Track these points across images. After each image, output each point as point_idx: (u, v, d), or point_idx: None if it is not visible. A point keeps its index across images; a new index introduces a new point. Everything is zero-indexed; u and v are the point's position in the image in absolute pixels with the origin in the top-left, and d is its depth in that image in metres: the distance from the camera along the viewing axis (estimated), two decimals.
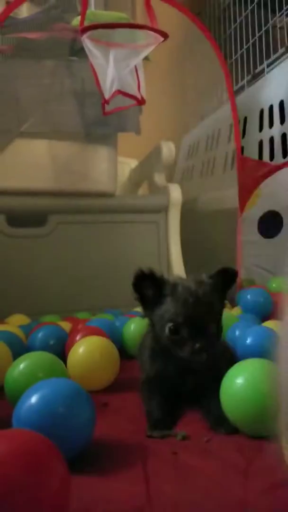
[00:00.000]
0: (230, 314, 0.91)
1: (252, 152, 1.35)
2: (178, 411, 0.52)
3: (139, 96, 1.09)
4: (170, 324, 0.49)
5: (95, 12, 1.27)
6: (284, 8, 1.46)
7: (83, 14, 1.09)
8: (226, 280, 0.54)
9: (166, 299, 0.50)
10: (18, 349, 0.70)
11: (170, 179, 1.77)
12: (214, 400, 0.49)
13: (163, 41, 1.04)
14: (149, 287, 0.52)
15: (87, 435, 0.41)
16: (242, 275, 1.23)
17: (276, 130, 1.28)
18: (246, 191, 1.21)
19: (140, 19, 1.37)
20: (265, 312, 0.91)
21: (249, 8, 1.72)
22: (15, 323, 0.97)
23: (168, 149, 1.32)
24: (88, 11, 1.14)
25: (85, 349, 0.63)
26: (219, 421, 0.47)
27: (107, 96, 1.04)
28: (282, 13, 1.47)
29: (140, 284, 0.52)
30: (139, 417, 0.51)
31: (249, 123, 1.43)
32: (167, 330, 0.49)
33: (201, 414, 0.51)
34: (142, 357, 0.59)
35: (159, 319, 0.51)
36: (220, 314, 0.53)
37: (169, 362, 0.52)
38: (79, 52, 1.15)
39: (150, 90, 1.19)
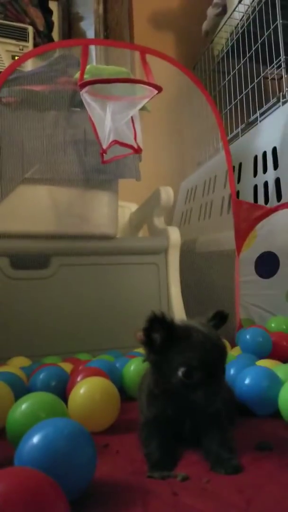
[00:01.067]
0: (229, 354, 0.92)
1: (247, 196, 1.40)
2: (177, 452, 0.52)
3: (135, 145, 1.15)
4: (183, 369, 0.49)
5: (97, 66, 1.35)
6: (275, 61, 1.56)
7: (82, 69, 1.17)
8: (220, 322, 0.56)
9: (179, 342, 0.50)
10: (20, 390, 0.70)
11: (169, 222, 1.82)
12: (214, 440, 0.50)
13: (157, 93, 1.11)
14: (158, 330, 0.51)
15: (89, 475, 0.41)
16: (241, 315, 1.24)
17: (270, 175, 1.34)
18: (242, 233, 1.25)
19: (139, 72, 1.46)
20: (264, 351, 0.92)
21: (242, 61, 1.84)
22: (17, 365, 0.97)
23: (166, 194, 1.37)
24: (90, 66, 1.22)
25: (86, 390, 0.64)
26: (219, 462, 0.48)
27: (104, 146, 1.10)
28: (273, 66, 1.57)
29: (151, 327, 0.52)
30: (139, 458, 0.51)
31: (243, 168, 1.50)
32: (180, 373, 0.49)
33: (201, 455, 0.51)
34: (141, 400, 0.59)
35: (168, 363, 0.50)
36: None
37: (167, 405, 0.53)
38: (82, 103, 1.22)
39: (149, 139, 1.25)
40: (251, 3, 1.78)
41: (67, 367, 0.89)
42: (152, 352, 0.52)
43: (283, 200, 1.25)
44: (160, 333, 0.51)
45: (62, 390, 0.74)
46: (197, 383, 0.48)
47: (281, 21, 1.57)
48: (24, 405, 0.56)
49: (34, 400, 0.57)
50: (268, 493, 0.42)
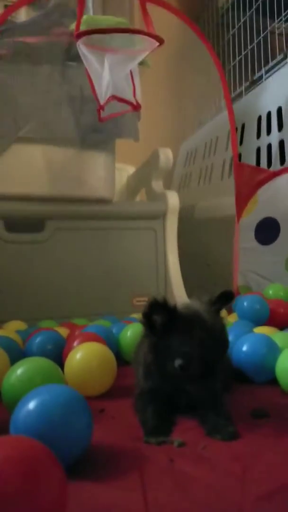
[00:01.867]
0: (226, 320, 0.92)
1: (249, 159, 1.36)
2: (173, 419, 0.52)
3: (134, 101, 1.10)
4: (180, 361, 0.48)
5: (94, 16, 1.27)
6: (283, 14, 1.47)
7: (78, 19, 1.10)
8: (224, 301, 0.54)
9: (179, 332, 0.49)
10: (16, 354, 0.70)
11: (167, 185, 1.78)
12: (211, 408, 0.50)
13: (158, 46, 1.04)
14: (159, 314, 0.49)
15: (85, 442, 0.41)
16: (239, 282, 1.23)
17: (274, 137, 1.29)
18: (243, 198, 1.22)
19: (139, 23, 1.38)
20: (262, 318, 0.92)
21: (248, 14, 1.74)
22: (12, 329, 0.97)
23: (165, 156, 1.33)
24: (86, 16, 1.14)
25: (82, 356, 0.63)
26: (215, 428, 0.48)
27: (102, 101, 1.05)
28: (281, 19, 1.49)
29: (152, 312, 0.50)
30: (135, 424, 0.51)
31: (247, 130, 1.45)
32: (176, 365, 0.48)
33: (198, 421, 0.51)
34: (137, 371, 0.58)
35: (167, 349, 0.49)
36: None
37: (164, 380, 0.52)
38: (78, 57, 1.15)
39: (148, 97, 1.20)
40: None
41: (64, 331, 0.89)
42: (151, 334, 0.51)
43: (287, 164, 1.21)
44: (161, 317, 0.49)
45: (58, 355, 0.74)
46: (193, 376, 0.48)
47: None
48: (20, 370, 0.55)
49: (30, 365, 0.56)
50: (264, 460, 0.41)
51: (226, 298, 0.54)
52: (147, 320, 0.50)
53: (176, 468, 0.40)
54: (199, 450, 0.44)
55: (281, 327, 0.87)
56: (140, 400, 0.54)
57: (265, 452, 0.43)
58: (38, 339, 0.78)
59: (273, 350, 0.65)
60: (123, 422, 0.53)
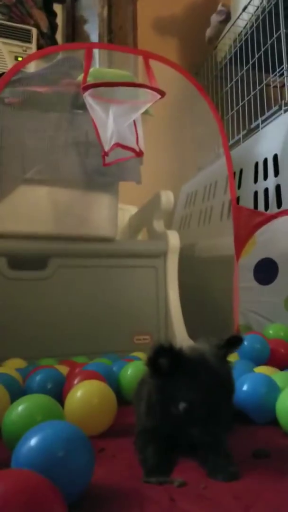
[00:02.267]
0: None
1: (247, 202, 1.41)
2: (174, 458, 0.52)
3: (137, 149, 1.15)
4: (184, 404, 0.48)
5: (100, 69, 1.35)
6: (277, 69, 1.57)
7: (85, 73, 1.18)
8: (232, 346, 0.54)
9: (185, 374, 0.49)
10: (16, 392, 0.70)
11: (168, 226, 1.82)
12: (212, 449, 0.49)
13: (160, 98, 1.11)
14: (165, 358, 0.49)
15: (86, 479, 0.41)
16: (239, 321, 1.24)
17: (271, 182, 1.34)
18: (241, 239, 1.25)
19: (142, 76, 1.46)
20: (262, 358, 0.92)
21: (244, 68, 1.85)
22: (12, 366, 0.97)
23: (167, 198, 1.37)
24: (93, 69, 1.22)
25: (82, 394, 0.63)
26: (216, 469, 0.47)
27: (106, 148, 1.10)
28: (276, 74, 1.58)
29: (157, 356, 0.49)
30: (136, 463, 0.51)
31: (244, 175, 1.50)
32: (181, 408, 0.48)
33: (198, 462, 0.50)
34: (138, 408, 0.58)
35: (171, 392, 0.49)
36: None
37: (166, 419, 0.51)
38: (84, 105, 1.22)
39: (151, 143, 1.25)
40: (254, 12, 1.79)
41: (63, 369, 0.89)
42: (156, 376, 0.51)
43: (283, 207, 1.25)
44: (166, 361, 0.49)
45: (58, 392, 0.74)
46: (196, 420, 0.48)
47: (284, 30, 1.58)
48: (20, 407, 0.55)
49: (30, 402, 0.56)
50: (265, 500, 0.41)
51: (234, 343, 0.54)
52: (153, 363, 0.50)
53: (177, 508, 0.40)
54: (200, 489, 0.44)
55: (282, 367, 0.87)
56: (141, 438, 0.54)
57: (266, 492, 0.43)
58: (38, 377, 0.78)
59: (274, 390, 0.65)
60: (124, 462, 0.52)
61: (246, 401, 0.65)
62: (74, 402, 0.63)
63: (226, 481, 0.46)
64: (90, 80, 1.16)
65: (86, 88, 1.09)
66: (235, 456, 0.50)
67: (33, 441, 0.40)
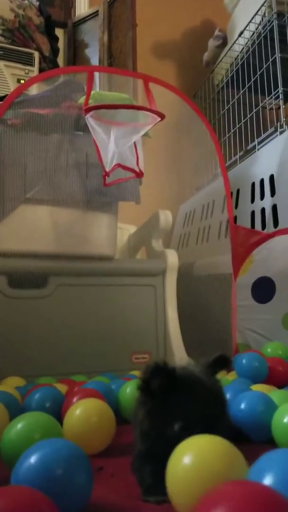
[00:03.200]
0: (225, 378, 0.92)
1: (245, 222, 1.43)
2: None
3: (137, 169, 1.18)
4: (180, 423, 0.47)
5: (101, 92, 1.39)
6: (273, 92, 1.61)
7: (87, 95, 1.21)
8: (219, 365, 0.54)
9: (178, 394, 0.48)
10: (15, 410, 0.70)
11: (167, 244, 1.84)
12: None
13: (160, 120, 1.15)
14: (158, 378, 0.49)
15: (84, 498, 0.41)
16: (237, 339, 1.24)
17: (267, 202, 1.36)
18: (239, 258, 1.27)
19: (141, 98, 1.50)
20: (261, 376, 0.92)
21: (241, 91, 1.90)
22: (11, 384, 0.97)
23: (165, 217, 1.39)
24: (93, 92, 1.25)
25: (81, 412, 0.63)
26: None
27: (107, 169, 1.13)
28: (271, 96, 1.62)
29: (151, 378, 0.49)
30: (135, 482, 0.51)
31: (241, 194, 1.53)
32: (176, 428, 0.47)
33: None
34: (135, 428, 0.57)
35: (166, 413, 0.49)
36: None
37: (161, 441, 0.50)
38: (84, 127, 1.25)
39: (150, 163, 1.28)
40: (250, 37, 1.85)
41: (62, 388, 0.89)
42: (149, 399, 0.50)
43: (279, 226, 1.27)
44: (159, 382, 0.49)
45: (57, 411, 0.74)
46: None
47: (279, 55, 1.63)
48: (19, 425, 0.55)
49: (29, 420, 0.57)
50: None
51: (222, 362, 0.54)
52: (146, 385, 0.49)
53: None
54: None
55: (280, 386, 0.88)
56: (138, 460, 0.54)
57: None
58: (37, 395, 0.78)
59: (271, 408, 0.66)
60: (122, 480, 0.52)
61: (244, 420, 0.65)
62: (73, 420, 0.63)
63: None
64: (91, 102, 1.19)
65: (88, 110, 1.12)
66: None
67: (32, 459, 0.40)
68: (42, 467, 0.40)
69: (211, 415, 0.48)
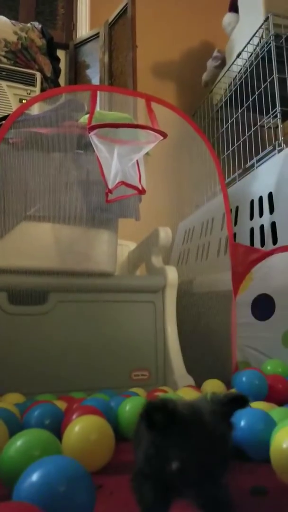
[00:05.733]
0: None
1: (244, 239, 1.44)
2: (170, 496, 0.51)
3: (140, 187, 1.20)
4: (178, 464, 0.45)
5: (102, 112, 1.41)
6: (271, 111, 1.64)
7: (91, 114, 1.23)
8: (236, 406, 0.49)
9: (179, 432, 0.46)
10: (14, 427, 0.70)
11: (167, 261, 1.85)
12: (211, 489, 0.48)
13: (162, 139, 1.17)
14: (158, 414, 0.46)
15: None
16: (237, 357, 1.24)
17: (266, 219, 1.38)
18: (239, 276, 1.27)
19: (141, 118, 1.53)
20: (261, 394, 0.92)
21: (239, 110, 1.93)
22: (11, 401, 0.96)
23: (165, 234, 1.40)
24: (95, 111, 1.28)
25: (80, 429, 0.63)
26: (215, 507, 0.47)
27: (110, 186, 1.15)
28: (269, 116, 1.65)
29: (149, 415, 0.47)
30: (133, 501, 0.50)
31: (240, 212, 1.54)
32: (174, 467, 0.45)
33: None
34: (136, 447, 0.55)
35: (165, 449, 0.47)
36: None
37: (161, 473, 0.48)
38: (85, 146, 1.27)
39: (150, 181, 1.30)
40: (248, 58, 1.89)
41: (62, 405, 0.89)
42: (150, 430, 0.48)
43: (278, 243, 1.28)
44: (159, 420, 0.46)
45: (57, 427, 0.74)
46: (190, 481, 0.45)
47: (277, 75, 1.66)
48: (18, 442, 0.55)
49: (29, 437, 0.56)
50: None
51: (239, 403, 0.49)
52: (146, 418, 0.47)
53: None
54: None
55: (280, 403, 0.87)
56: (137, 478, 0.54)
57: None
58: (36, 412, 0.77)
59: (271, 426, 0.65)
60: (122, 498, 0.52)
61: (243, 438, 0.65)
62: (72, 437, 0.63)
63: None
64: (93, 122, 1.22)
65: (92, 128, 1.15)
66: (232, 493, 0.49)
67: (35, 476, 0.40)
68: (45, 484, 0.40)
69: (209, 463, 0.45)
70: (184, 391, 1.02)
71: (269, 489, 0.53)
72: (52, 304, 1.22)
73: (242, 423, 0.66)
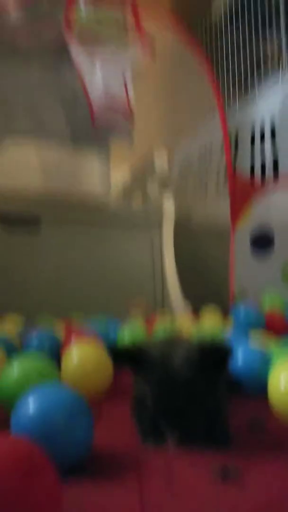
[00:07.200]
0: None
1: (244, 164, 1.39)
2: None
3: (127, 110, 1.11)
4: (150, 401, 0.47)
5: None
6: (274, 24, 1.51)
7: (68, 9, 1.10)
8: (217, 360, 0.49)
9: (146, 376, 0.49)
10: (13, 351, 0.70)
11: (163, 189, 1.79)
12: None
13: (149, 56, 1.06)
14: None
15: (87, 445, 0.41)
16: (235, 288, 1.24)
17: (267, 143, 1.32)
18: (238, 209, 1.23)
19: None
20: (257, 324, 0.92)
21: (240, 23, 1.77)
22: (10, 322, 0.96)
23: (161, 160, 1.35)
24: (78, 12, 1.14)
25: (79, 356, 0.63)
26: (210, 435, 0.47)
27: (96, 110, 1.06)
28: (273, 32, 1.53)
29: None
30: (132, 426, 0.51)
31: (241, 136, 1.47)
32: (149, 403, 0.48)
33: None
34: (135, 375, 0.55)
35: (141, 388, 0.50)
36: (210, 393, 0.48)
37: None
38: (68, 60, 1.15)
39: (143, 104, 1.21)
40: None
41: (61, 329, 0.89)
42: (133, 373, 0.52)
43: (279, 168, 1.24)
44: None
45: (56, 353, 0.73)
46: (161, 413, 0.47)
47: None
48: (16, 367, 0.55)
49: (26, 362, 0.56)
50: (258, 467, 0.41)
51: (219, 356, 0.49)
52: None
53: (173, 470, 0.40)
54: (196, 454, 0.44)
55: (277, 335, 0.88)
56: (137, 402, 0.54)
57: (260, 460, 0.43)
58: (36, 337, 0.78)
59: (268, 364, 0.64)
60: (120, 424, 0.52)
61: (241, 376, 0.64)
62: (71, 364, 0.62)
63: (220, 446, 0.45)
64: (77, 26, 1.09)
65: (69, 25, 1.03)
66: (231, 427, 0.49)
67: (34, 408, 0.39)
68: (42, 416, 0.38)
69: (172, 400, 0.46)
70: (182, 321, 1.02)
71: (267, 426, 0.52)
72: (47, 229, 1.19)
73: (240, 362, 0.65)
